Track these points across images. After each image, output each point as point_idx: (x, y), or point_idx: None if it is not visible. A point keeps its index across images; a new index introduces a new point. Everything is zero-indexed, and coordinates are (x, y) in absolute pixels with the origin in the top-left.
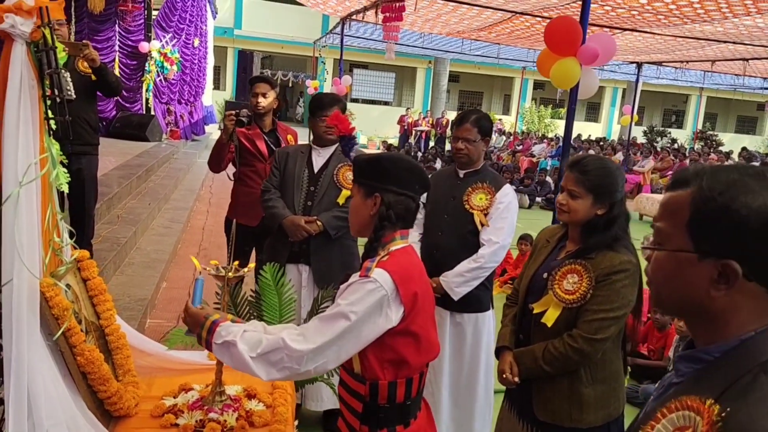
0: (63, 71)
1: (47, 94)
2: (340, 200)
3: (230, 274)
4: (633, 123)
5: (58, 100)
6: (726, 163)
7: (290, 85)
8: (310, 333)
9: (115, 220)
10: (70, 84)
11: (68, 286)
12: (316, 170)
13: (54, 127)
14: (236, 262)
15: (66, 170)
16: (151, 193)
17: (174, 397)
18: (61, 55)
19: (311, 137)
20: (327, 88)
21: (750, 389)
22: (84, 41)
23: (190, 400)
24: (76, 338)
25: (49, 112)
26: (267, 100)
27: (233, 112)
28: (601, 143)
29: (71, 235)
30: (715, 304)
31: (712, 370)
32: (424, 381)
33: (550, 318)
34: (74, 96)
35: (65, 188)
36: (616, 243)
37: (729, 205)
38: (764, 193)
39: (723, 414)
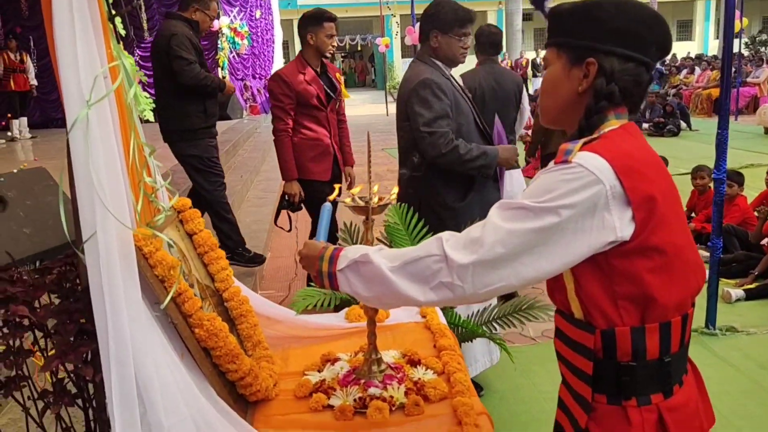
0: None
1: None
2: None
3: (374, 201)
4: (736, 33)
5: None
6: None
7: (359, 48)
8: (482, 236)
9: None
10: None
11: (171, 242)
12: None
13: (123, 32)
14: (376, 188)
15: None
16: (241, 167)
17: (319, 372)
18: None
19: (436, 59)
20: (397, 44)
21: None
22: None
23: (340, 374)
24: (190, 305)
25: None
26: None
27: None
28: (706, 59)
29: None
30: None
31: None
32: (690, 327)
33: None
34: None
35: (149, 115)
36: None
37: None
38: None
39: None
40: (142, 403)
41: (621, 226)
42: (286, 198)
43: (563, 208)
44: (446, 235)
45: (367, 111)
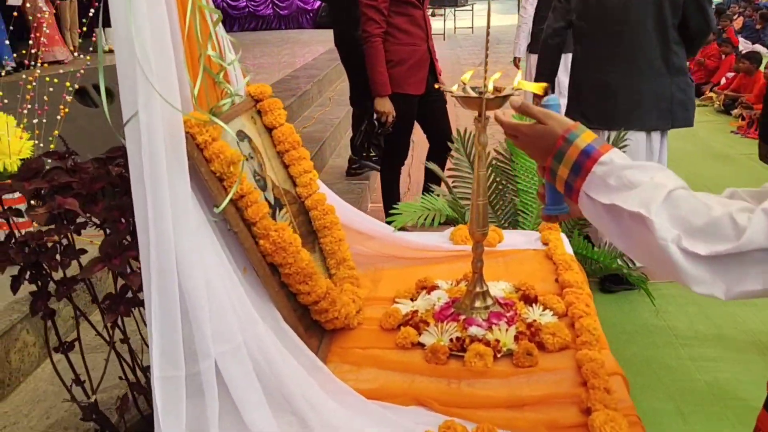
0: None
1: None
2: None
3: (489, 90)
4: None
5: None
6: None
7: None
8: None
9: (327, 102)
10: None
11: (242, 134)
12: None
13: None
14: (497, 75)
15: None
16: (342, 72)
17: (412, 300)
18: None
19: None
20: None
21: None
22: None
23: (437, 306)
24: (254, 210)
25: None
26: None
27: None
28: None
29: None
30: None
31: None
32: None
33: None
34: None
35: None
36: None
37: None
38: None
39: None
40: (188, 323)
41: None
42: (375, 118)
43: None
44: None
45: (495, 21)
